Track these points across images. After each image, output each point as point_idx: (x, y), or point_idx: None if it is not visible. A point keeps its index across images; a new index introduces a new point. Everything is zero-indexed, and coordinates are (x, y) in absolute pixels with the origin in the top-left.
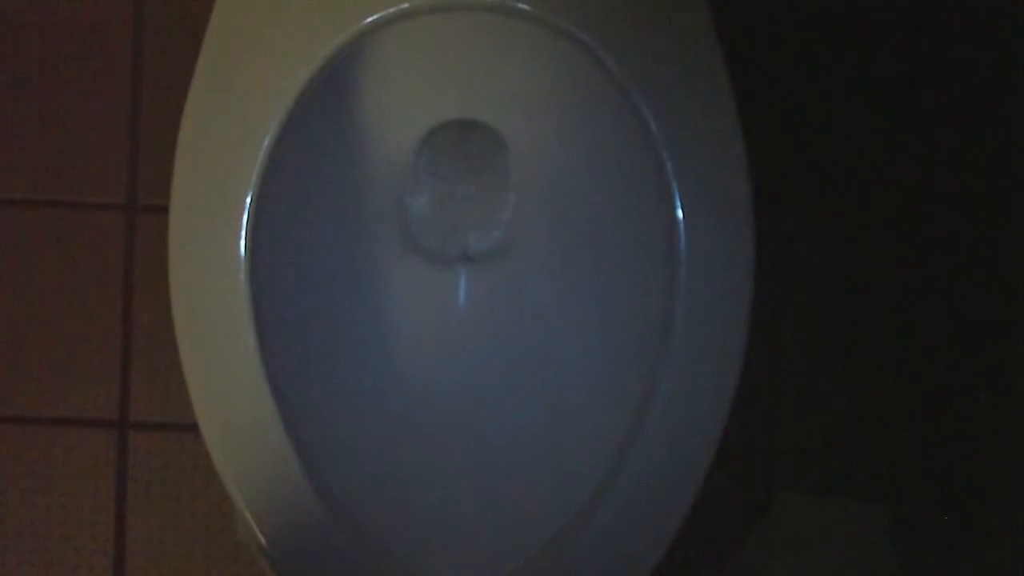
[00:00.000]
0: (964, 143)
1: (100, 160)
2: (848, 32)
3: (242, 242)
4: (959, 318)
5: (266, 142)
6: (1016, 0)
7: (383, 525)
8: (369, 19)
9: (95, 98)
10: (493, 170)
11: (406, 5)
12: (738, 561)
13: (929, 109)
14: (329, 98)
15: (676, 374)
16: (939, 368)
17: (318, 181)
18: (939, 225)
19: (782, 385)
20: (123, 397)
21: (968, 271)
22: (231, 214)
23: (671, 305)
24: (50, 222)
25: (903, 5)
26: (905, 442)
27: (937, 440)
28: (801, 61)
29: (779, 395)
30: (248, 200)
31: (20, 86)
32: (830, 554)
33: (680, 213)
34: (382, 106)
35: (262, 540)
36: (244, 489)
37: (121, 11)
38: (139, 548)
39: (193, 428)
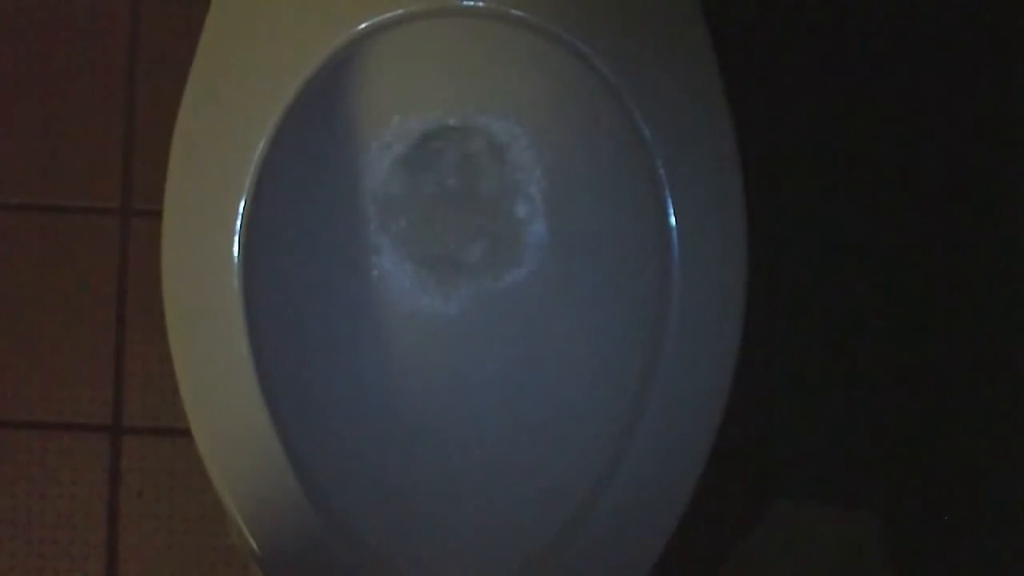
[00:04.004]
0: (961, 143)
1: (95, 164)
2: (842, 38)
3: (235, 247)
4: (957, 320)
5: (260, 147)
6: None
7: (377, 530)
8: (364, 24)
9: (90, 102)
10: (487, 176)
11: (401, 11)
12: (733, 567)
13: (925, 111)
14: (324, 103)
15: (670, 379)
16: (936, 372)
17: (312, 186)
18: (936, 228)
19: (777, 391)
20: (116, 401)
21: (966, 273)
22: (225, 219)
23: (665, 311)
24: (44, 226)
25: (899, 7)
26: (901, 448)
27: (934, 446)
28: (796, 65)
29: (774, 401)
30: (242, 205)
31: (14, 89)
32: (825, 560)
33: (673, 220)
34: (377, 111)
35: (254, 545)
36: (236, 494)
37: (117, 14)
38: (132, 553)
39: (186, 433)
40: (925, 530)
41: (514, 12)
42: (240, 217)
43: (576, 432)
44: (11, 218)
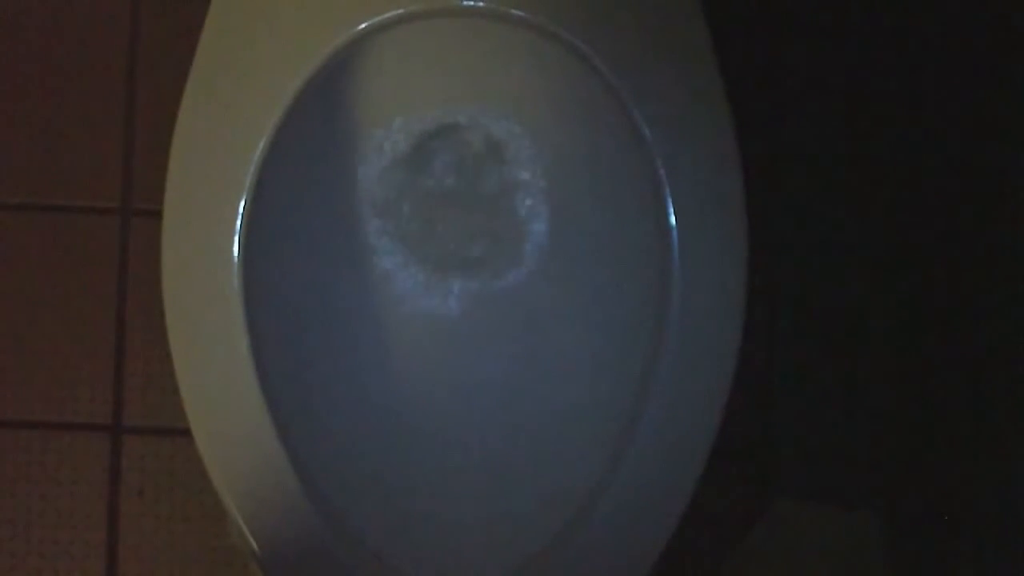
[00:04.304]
0: (961, 143)
1: (94, 164)
2: (842, 38)
3: (235, 246)
4: (957, 320)
5: (260, 146)
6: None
7: (376, 530)
8: (364, 24)
9: (90, 102)
10: (487, 176)
11: (401, 11)
12: (733, 567)
13: (925, 111)
14: (324, 103)
15: (670, 379)
16: (936, 372)
17: (312, 186)
18: (936, 227)
19: (777, 391)
20: (117, 401)
21: (966, 273)
22: (225, 218)
23: (665, 310)
24: (44, 226)
25: (899, 7)
26: (901, 448)
27: (934, 446)
28: (796, 65)
29: (774, 401)
30: (242, 204)
31: (14, 89)
32: (825, 560)
33: (673, 220)
34: (377, 111)
35: (254, 545)
36: (236, 494)
37: (117, 14)
38: (132, 552)
39: (186, 432)
40: (925, 530)
41: (514, 12)
42: (240, 217)
43: (576, 432)
44: (11, 218)
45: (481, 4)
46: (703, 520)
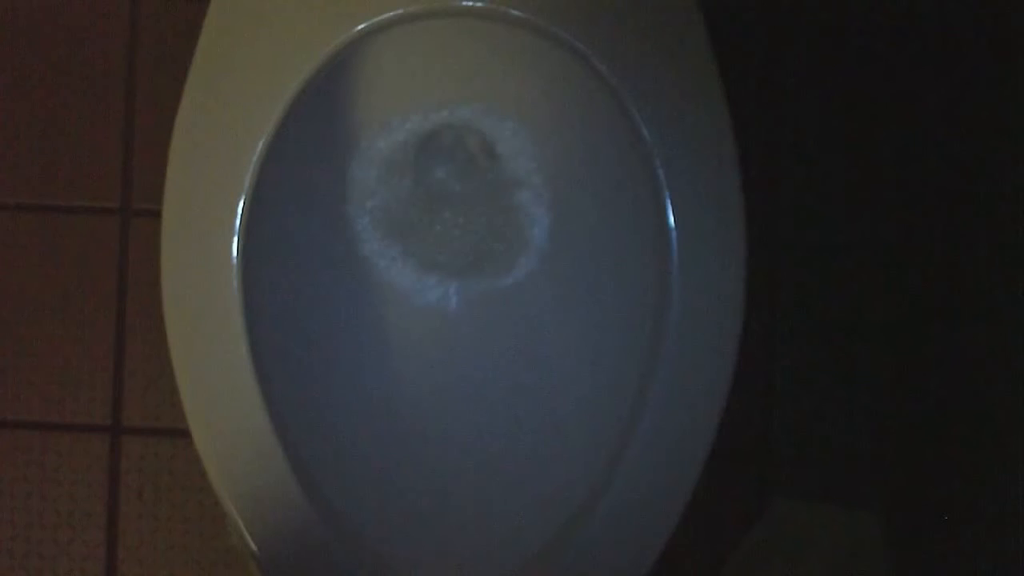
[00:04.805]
0: (961, 143)
1: (94, 164)
2: (842, 38)
3: (235, 247)
4: (957, 320)
5: (259, 147)
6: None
7: (376, 531)
8: (363, 24)
9: (89, 102)
10: (487, 175)
11: (400, 11)
12: (731, 568)
13: (925, 111)
14: (323, 103)
15: (670, 379)
16: (936, 372)
17: (311, 186)
18: (936, 227)
19: (776, 391)
20: (116, 402)
21: (966, 273)
22: (224, 219)
23: (664, 311)
24: (44, 226)
25: (899, 7)
26: (902, 448)
27: (934, 446)
28: (796, 65)
29: (774, 401)
30: (241, 205)
31: (14, 90)
32: (823, 561)
33: (672, 220)
34: (375, 112)
35: (254, 546)
36: (235, 495)
37: (116, 15)
38: (131, 553)
39: (186, 433)
40: (925, 530)
41: (514, 12)
42: (239, 217)
43: (576, 432)
44: (11, 218)
45: (481, 4)
46: (703, 520)
